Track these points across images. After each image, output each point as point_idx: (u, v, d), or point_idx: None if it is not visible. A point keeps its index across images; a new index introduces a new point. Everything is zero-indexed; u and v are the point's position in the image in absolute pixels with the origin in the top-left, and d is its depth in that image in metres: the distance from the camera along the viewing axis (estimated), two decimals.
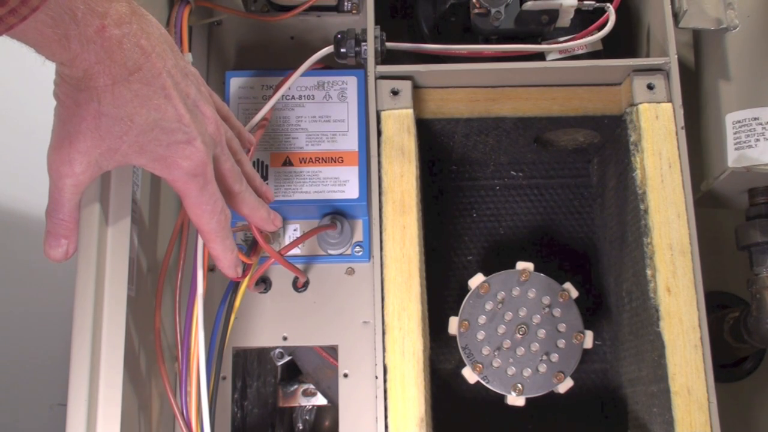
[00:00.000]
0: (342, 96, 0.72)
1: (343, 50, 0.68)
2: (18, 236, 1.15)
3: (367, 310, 0.71)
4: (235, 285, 0.67)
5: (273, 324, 0.72)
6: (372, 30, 0.68)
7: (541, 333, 0.67)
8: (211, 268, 0.70)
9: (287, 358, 0.77)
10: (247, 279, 0.67)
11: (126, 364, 0.55)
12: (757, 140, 0.68)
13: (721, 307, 0.83)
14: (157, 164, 0.51)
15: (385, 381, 0.62)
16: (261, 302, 0.72)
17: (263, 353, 0.79)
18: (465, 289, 0.69)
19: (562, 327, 0.68)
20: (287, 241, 0.72)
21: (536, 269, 0.69)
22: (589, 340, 0.68)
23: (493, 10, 0.69)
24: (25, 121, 1.17)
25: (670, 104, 0.67)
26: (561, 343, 0.68)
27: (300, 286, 0.72)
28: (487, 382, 0.67)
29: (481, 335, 0.67)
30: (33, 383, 1.10)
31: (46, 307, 1.10)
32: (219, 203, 0.55)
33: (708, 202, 0.76)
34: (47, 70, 0.47)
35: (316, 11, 0.79)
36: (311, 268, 0.73)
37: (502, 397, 0.69)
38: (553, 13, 0.70)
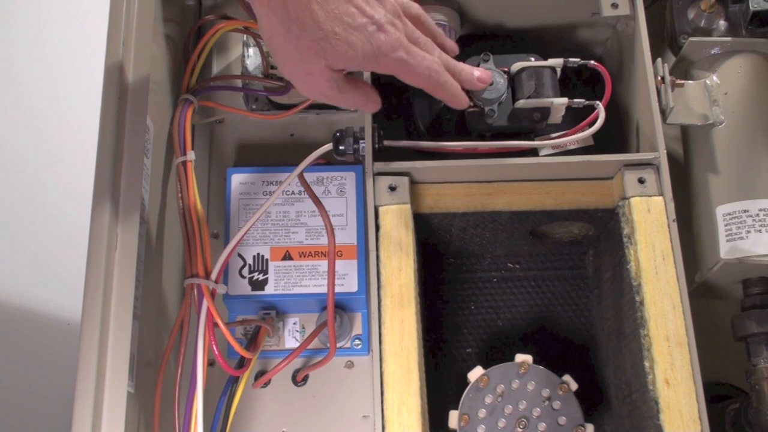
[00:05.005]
0: (341, 191, 0.73)
1: (341, 147, 0.70)
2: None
3: (367, 403, 0.71)
4: (234, 380, 0.67)
5: (272, 419, 0.71)
6: (370, 128, 0.69)
7: (542, 426, 0.67)
8: (210, 363, 0.70)
9: None
10: (246, 373, 0.67)
11: None
12: (748, 232, 0.69)
13: (720, 398, 0.82)
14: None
15: None
16: (260, 397, 0.72)
17: None
18: (464, 382, 0.69)
19: (562, 420, 0.67)
20: (287, 335, 0.73)
21: (535, 361, 0.69)
22: None
23: (486, 108, 0.71)
24: (25, 120, 1.17)
25: (661, 197, 0.69)
26: None
27: (299, 380, 0.72)
28: None
29: (481, 429, 0.67)
30: None
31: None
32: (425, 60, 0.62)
33: (703, 292, 0.76)
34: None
35: (315, 109, 0.81)
36: (311, 362, 0.73)
37: None
38: (545, 111, 0.72)
